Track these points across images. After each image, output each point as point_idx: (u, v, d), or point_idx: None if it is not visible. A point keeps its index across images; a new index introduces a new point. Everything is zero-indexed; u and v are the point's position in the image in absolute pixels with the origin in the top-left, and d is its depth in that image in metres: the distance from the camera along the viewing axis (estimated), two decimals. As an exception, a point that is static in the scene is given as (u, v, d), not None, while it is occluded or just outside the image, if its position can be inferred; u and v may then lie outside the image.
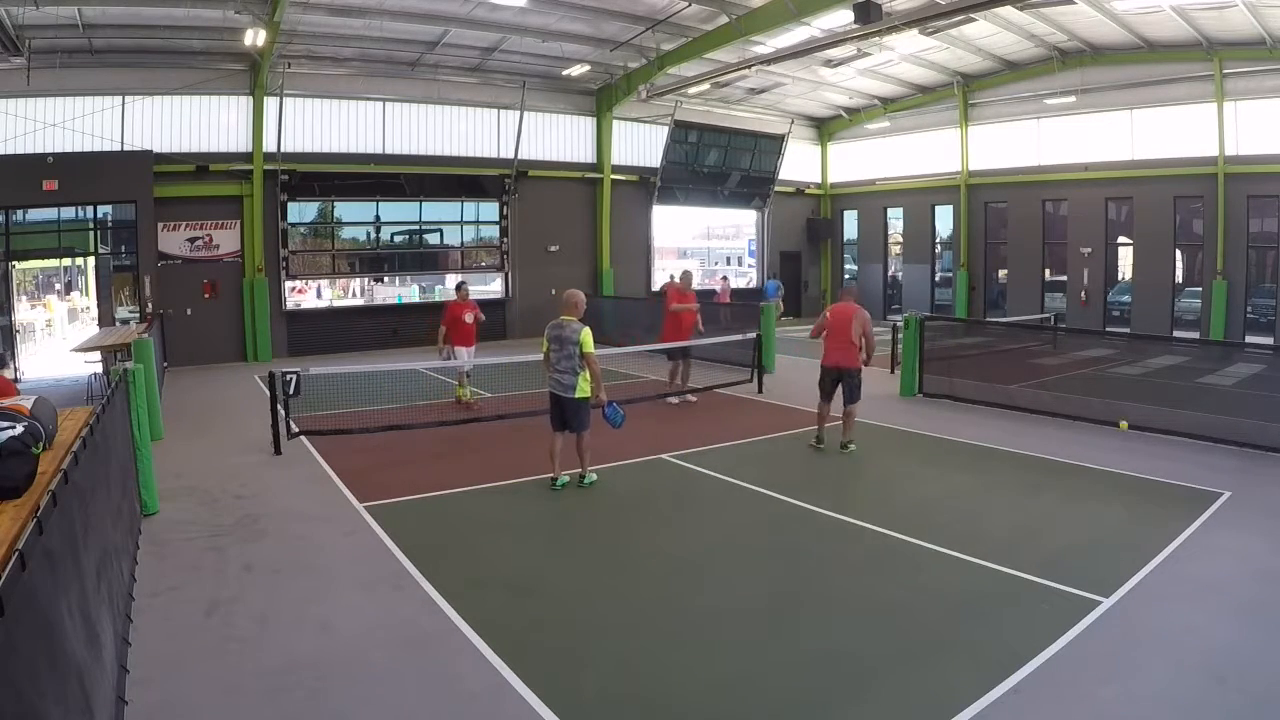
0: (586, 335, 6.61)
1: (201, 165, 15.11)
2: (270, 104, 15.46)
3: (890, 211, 23.82)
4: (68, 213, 14.48)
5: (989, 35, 17.15)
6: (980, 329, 15.55)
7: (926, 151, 22.13)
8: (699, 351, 13.04)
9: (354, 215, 17.63)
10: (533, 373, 11.86)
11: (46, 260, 18.58)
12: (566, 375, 6.69)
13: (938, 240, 22.80)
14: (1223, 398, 9.28)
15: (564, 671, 3.78)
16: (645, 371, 13.09)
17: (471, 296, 11.33)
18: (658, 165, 20.86)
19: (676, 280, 11.34)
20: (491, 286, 19.73)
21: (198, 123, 15.20)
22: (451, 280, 20.10)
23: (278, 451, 8.05)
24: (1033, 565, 4.91)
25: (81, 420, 4.61)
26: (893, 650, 3.97)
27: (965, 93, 20.68)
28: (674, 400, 10.66)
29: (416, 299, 19.19)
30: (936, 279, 22.66)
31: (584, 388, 6.69)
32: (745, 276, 25.23)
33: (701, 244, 33.21)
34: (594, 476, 6.96)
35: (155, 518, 6.03)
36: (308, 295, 18.46)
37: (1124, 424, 8.48)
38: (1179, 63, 16.89)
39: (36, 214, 14.31)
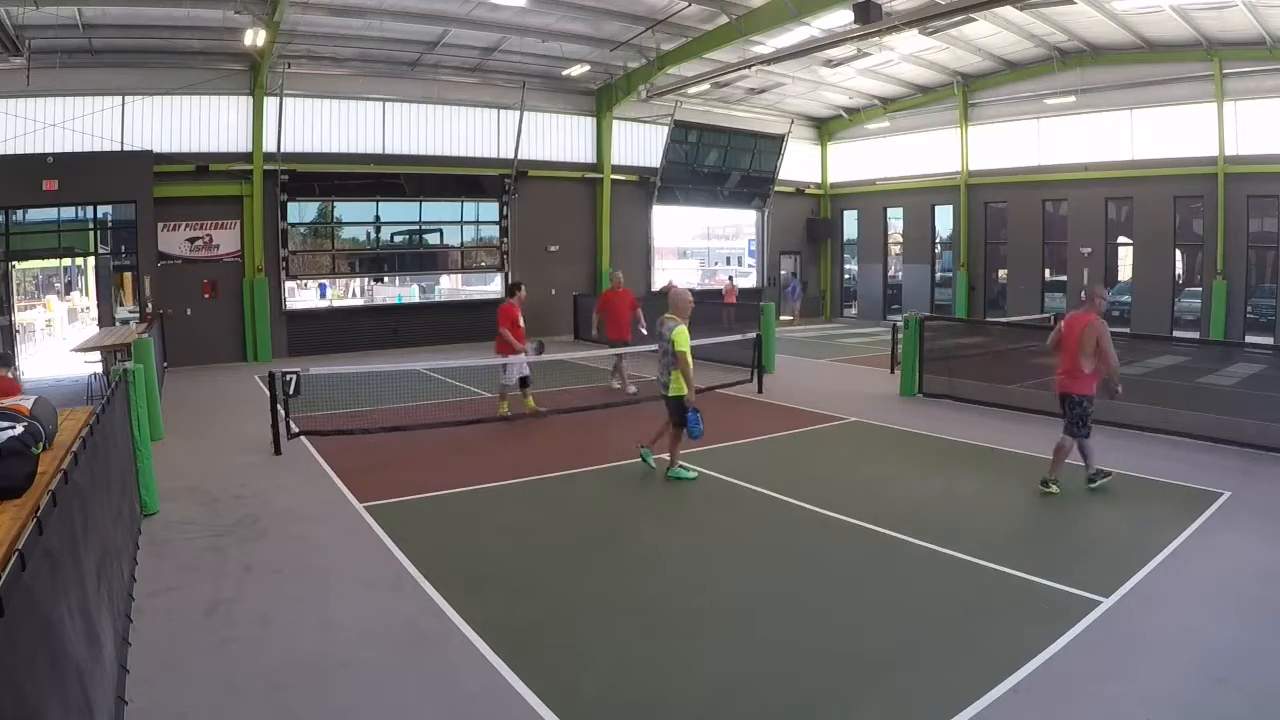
0: (678, 334, 6.72)
1: (201, 165, 15.10)
2: (270, 104, 15.46)
3: (890, 211, 23.81)
4: (68, 213, 14.46)
5: (989, 35, 17.15)
6: (980, 329, 15.53)
7: (926, 151, 22.12)
8: (700, 351, 13.12)
9: (354, 215, 17.63)
10: (534, 372, 11.94)
11: (46, 260, 18.60)
12: (662, 373, 6.97)
13: (938, 240, 22.80)
14: (1223, 398, 9.26)
15: (564, 671, 3.78)
16: (646, 371, 13.09)
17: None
18: (658, 165, 20.86)
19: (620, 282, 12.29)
20: (491, 286, 19.78)
21: (198, 123, 15.20)
22: (454, 281, 20.30)
23: (278, 451, 8.05)
24: (1033, 565, 4.91)
25: (81, 420, 4.61)
26: (893, 650, 3.97)
27: (965, 93, 20.67)
28: (616, 385, 11.59)
29: (416, 299, 19.24)
30: (936, 279, 22.66)
31: (676, 386, 6.81)
32: (746, 276, 25.30)
33: (701, 244, 33.28)
34: (685, 473, 6.99)
35: (155, 518, 6.03)
36: (330, 291, 18.64)
37: None
38: (1179, 63, 16.88)
39: (36, 214, 14.30)
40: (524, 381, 9.96)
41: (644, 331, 11.33)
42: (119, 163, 14.08)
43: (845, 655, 3.95)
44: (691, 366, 6.77)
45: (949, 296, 21.90)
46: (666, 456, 7.08)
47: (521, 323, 10.12)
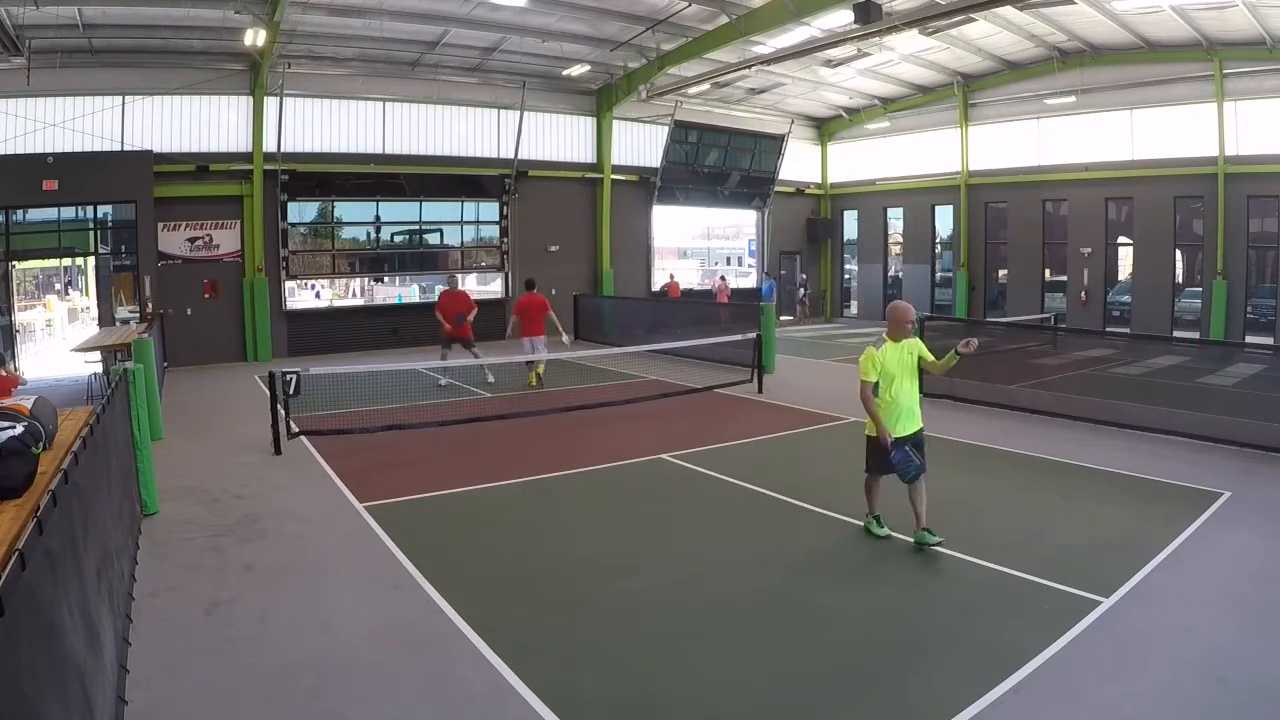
0: (863, 358, 5.35)
1: (201, 165, 15.11)
2: (270, 104, 15.45)
3: (890, 211, 23.82)
4: (68, 213, 14.47)
5: (989, 35, 17.15)
6: (980, 329, 15.53)
7: (926, 151, 22.12)
8: (700, 351, 13.40)
9: (354, 215, 17.62)
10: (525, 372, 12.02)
11: (46, 260, 18.58)
12: None
13: (938, 240, 22.80)
14: (1223, 398, 9.26)
15: (564, 671, 3.78)
16: (644, 371, 13.11)
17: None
18: (658, 165, 20.85)
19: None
20: (491, 287, 19.76)
21: (198, 123, 15.20)
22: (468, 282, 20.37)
23: (278, 451, 8.05)
24: (1033, 565, 4.91)
25: (81, 420, 4.62)
26: (892, 650, 3.97)
27: (965, 93, 20.68)
28: (443, 383, 12.03)
29: (417, 299, 19.22)
30: (936, 279, 22.66)
31: (868, 424, 5.46)
32: (746, 276, 25.28)
33: (701, 244, 33.23)
34: (929, 537, 5.18)
35: (155, 518, 6.04)
36: (327, 291, 18.79)
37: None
38: (1179, 63, 16.88)
39: (36, 214, 14.30)
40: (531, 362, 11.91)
41: (469, 319, 12.16)
42: (119, 163, 14.08)
43: (845, 655, 3.95)
44: (884, 404, 5.32)
45: (949, 296, 21.91)
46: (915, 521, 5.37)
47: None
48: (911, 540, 5.27)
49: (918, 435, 5.41)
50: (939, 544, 5.14)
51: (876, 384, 5.32)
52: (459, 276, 13.60)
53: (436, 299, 12.85)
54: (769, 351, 12.70)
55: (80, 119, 14.05)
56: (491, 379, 12.07)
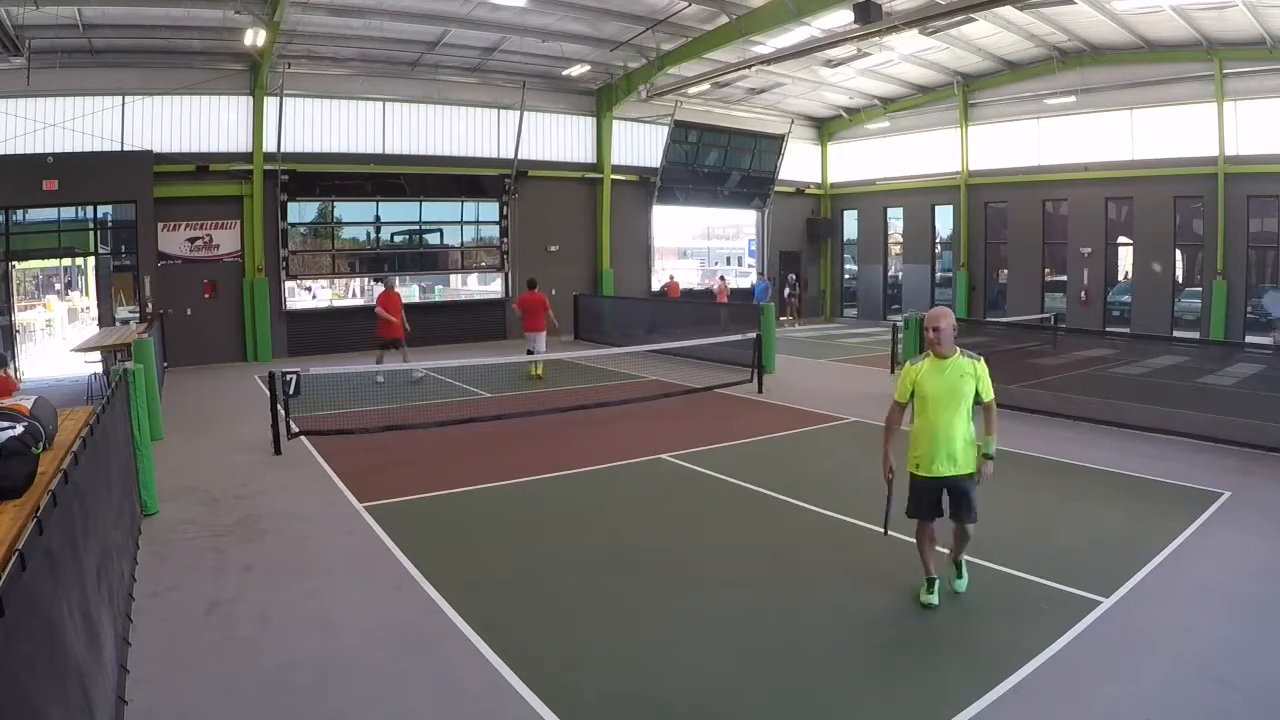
0: (899, 374, 4.57)
1: (201, 165, 15.10)
2: (270, 104, 15.45)
3: (890, 211, 23.81)
4: (68, 213, 14.47)
5: (989, 35, 17.15)
6: (980, 329, 15.53)
7: (926, 151, 22.11)
8: (700, 351, 13.52)
9: (354, 215, 17.62)
10: (525, 373, 12.04)
11: (46, 260, 18.59)
12: None
13: (938, 240, 22.80)
14: (1223, 398, 9.25)
15: (564, 671, 3.78)
16: (645, 371, 13.12)
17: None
18: (658, 165, 20.85)
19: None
20: (491, 286, 19.77)
21: (198, 123, 15.19)
22: (471, 281, 20.45)
23: (278, 451, 8.05)
24: (1033, 565, 4.91)
25: (81, 420, 4.62)
26: (893, 650, 3.97)
27: (965, 93, 20.67)
28: (419, 376, 12.48)
29: (417, 299, 19.20)
30: (936, 279, 22.65)
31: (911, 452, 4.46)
32: (746, 276, 25.28)
33: (701, 244, 33.27)
34: (927, 590, 4.40)
35: (155, 518, 6.03)
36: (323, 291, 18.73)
37: None
38: (1179, 63, 16.88)
39: (36, 214, 14.30)
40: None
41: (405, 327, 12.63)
42: (119, 163, 14.08)
43: (846, 656, 3.95)
44: (918, 432, 4.39)
45: (949, 296, 21.88)
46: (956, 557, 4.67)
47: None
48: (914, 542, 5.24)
49: (956, 483, 4.33)
50: (929, 602, 4.33)
51: (910, 405, 4.42)
52: (396, 279, 14.15)
53: (376, 300, 13.01)
54: (769, 351, 12.70)
55: (80, 119, 14.05)
56: (380, 380, 12.07)
